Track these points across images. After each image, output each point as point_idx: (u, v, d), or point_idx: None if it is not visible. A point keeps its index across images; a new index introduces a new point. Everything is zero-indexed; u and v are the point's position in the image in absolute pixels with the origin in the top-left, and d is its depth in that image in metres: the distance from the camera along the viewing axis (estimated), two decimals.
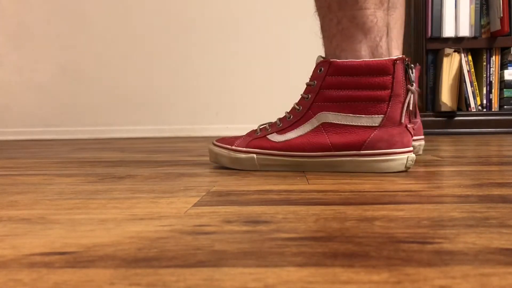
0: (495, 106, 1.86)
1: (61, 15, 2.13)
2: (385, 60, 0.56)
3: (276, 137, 0.61)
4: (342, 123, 0.57)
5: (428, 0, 1.80)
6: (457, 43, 1.82)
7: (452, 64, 1.81)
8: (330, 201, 0.38)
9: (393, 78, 0.56)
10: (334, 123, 0.58)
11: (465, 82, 1.83)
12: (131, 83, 2.14)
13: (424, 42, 1.81)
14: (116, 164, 0.74)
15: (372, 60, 0.56)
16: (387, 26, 0.60)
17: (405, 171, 0.57)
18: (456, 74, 1.81)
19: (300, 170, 0.60)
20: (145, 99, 2.14)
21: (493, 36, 1.83)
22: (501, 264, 0.22)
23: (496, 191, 0.42)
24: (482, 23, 1.85)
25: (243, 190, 0.44)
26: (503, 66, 1.84)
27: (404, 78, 0.56)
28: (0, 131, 2.17)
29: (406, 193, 0.41)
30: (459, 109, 1.83)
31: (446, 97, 1.80)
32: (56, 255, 0.24)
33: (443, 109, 1.79)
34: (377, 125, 0.56)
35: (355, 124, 0.57)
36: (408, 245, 0.25)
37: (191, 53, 2.12)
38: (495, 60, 1.85)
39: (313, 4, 0.63)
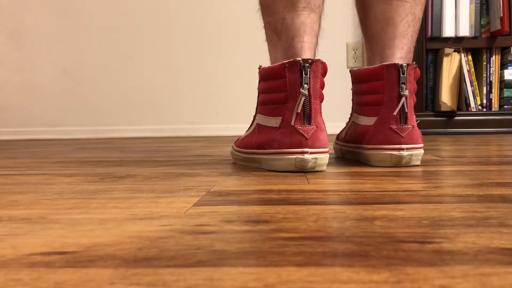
0: (495, 105, 1.86)
1: (61, 15, 2.13)
2: (277, 65, 0.61)
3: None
4: (262, 124, 0.64)
5: (428, 0, 1.80)
6: (457, 43, 1.82)
7: (452, 64, 1.81)
8: (330, 201, 0.38)
9: (286, 81, 0.59)
10: (260, 124, 0.65)
11: (465, 81, 1.83)
12: (131, 83, 2.14)
13: (424, 42, 1.81)
14: (116, 164, 0.74)
15: (270, 66, 0.63)
16: (306, 26, 0.63)
17: (317, 172, 0.59)
18: (456, 73, 1.81)
19: (243, 164, 0.70)
20: (145, 99, 2.14)
21: (493, 35, 1.83)
22: (501, 263, 0.22)
23: (496, 191, 0.42)
24: (482, 23, 1.85)
25: (243, 190, 0.44)
26: (503, 66, 1.84)
27: (298, 81, 0.58)
28: (0, 131, 2.17)
29: (406, 192, 0.41)
30: (459, 109, 1.83)
31: (446, 96, 1.80)
32: (56, 255, 0.24)
33: (443, 108, 1.79)
34: (277, 126, 0.60)
35: (267, 125, 0.63)
36: (408, 245, 0.25)
37: (191, 53, 2.12)
38: (495, 59, 1.85)
39: None
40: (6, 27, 2.15)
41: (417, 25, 0.70)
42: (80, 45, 2.14)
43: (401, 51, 0.68)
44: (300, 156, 0.57)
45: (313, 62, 0.58)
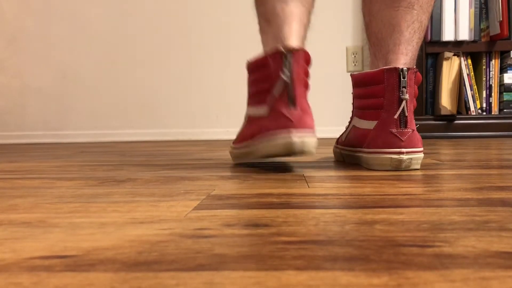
0: (494, 109, 1.86)
1: (62, 19, 2.14)
2: (262, 57, 0.63)
3: None
4: (252, 114, 0.67)
5: None
6: (457, 46, 1.82)
7: (451, 67, 1.82)
8: (330, 205, 0.38)
9: (271, 70, 0.62)
10: (250, 115, 0.68)
11: (464, 85, 1.83)
12: (132, 87, 2.14)
13: (424, 46, 1.81)
14: (116, 168, 0.74)
15: (255, 58, 0.66)
16: (294, 15, 0.66)
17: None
18: (455, 77, 1.81)
19: (242, 161, 0.75)
20: (146, 103, 2.14)
21: (493, 39, 1.83)
22: (501, 267, 0.22)
23: (496, 195, 0.42)
24: (482, 26, 1.85)
25: (243, 194, 0.44)
26: (502, 70, 1.84)
27: (281, 69, 0.60)
28: (0, 135, 2.17)
29: (406, 196, 0.41)
30: (458, 112, 1.83)
31: (446, 100, 1.80)
32: (56, 259, 0.24)
33: (442, 112, 1.79)
34: (266, 114, 0.62)
35: (257, 114, 0.65)
36: (408, 249, 0.25)
37: (191, 56, 2.12)
38: (495, 63, 1.85)
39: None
40: (7, 31, 2.15)
41: (422, 33, 0.70)
42: (80, 49, 2.14)
43: (405, 57, 0.68)
44: (288, 139, 0.58)
45: (294, 51, 0.60)
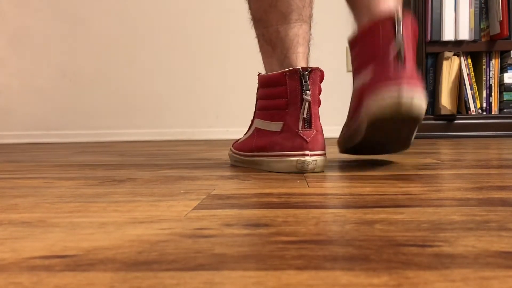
0: (494, 109, 1.86)
1: (61, 19, 2.14)
2: (278, 73, 0.62)
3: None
4: (262, 128, 0.66)
5: (427, 3, 1.81)
6: (457, 46, 1.82)
7: (451, 67, 1.82)
8: (330, 204, 0.38)
9: (287, 88, 0.61)
10: (259, 128, 0.67)
11: (464, 85, 1.83)
12: (132, 87, 2.14)
13: (424, 46, 1.81)
14: (116, 168, 0.74)
15: (269, 73, 0.64)
16: (299, 37, 0.64)
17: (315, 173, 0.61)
18: (455, 77, 1.81)
19: (242, 166, 0.71)
20: (145, 103, 2.14)
21: (493, 39, 1.83)
22: (501, 267, 0.22)
23: (496, 194, 0.42)
24: (482, 26, 1.85)
25: (243, 194, 0.44)
26: (502, 70, 1.84)
27: (298, 88, 0.60)
28: (0, 135, 2.17)
29: (406, 196, 0.41)
30: (459, 112, 1.83)
31: (445, 100, 1.80)
32: (56, 259, 0.24)
33: (442, 112, 1.79)
34: (279, 130, 0.62)
35: (268, 129, 0.65)
36: (408, 248, 0.25)
37: (191, 56, 2.12)
38: (495, 63, 1.85)
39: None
40: (7, 30, 2.15)
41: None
42: (80, 49, 2.14)
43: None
44: (301, 158, 0.60)
45: (312, 70, 0.60)
